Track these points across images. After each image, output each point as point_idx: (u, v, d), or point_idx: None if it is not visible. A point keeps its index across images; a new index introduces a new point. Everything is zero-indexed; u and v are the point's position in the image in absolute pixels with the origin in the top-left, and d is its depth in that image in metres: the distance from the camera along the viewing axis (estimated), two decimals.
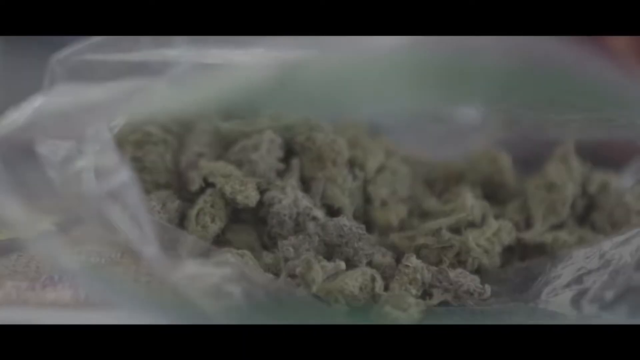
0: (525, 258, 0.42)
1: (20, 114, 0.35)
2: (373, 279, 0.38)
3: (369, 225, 0.43)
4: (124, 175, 0.34)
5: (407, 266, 0.39)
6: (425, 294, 0.39)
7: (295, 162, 0.42)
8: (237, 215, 0.41)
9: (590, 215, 0.44)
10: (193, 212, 0.40)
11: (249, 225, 0.42)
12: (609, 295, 0.36)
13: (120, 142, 0.41)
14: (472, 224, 0.42)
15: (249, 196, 0.40)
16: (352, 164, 0.43)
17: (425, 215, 0.44)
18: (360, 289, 0.38)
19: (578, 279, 0.38)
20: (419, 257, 0.40)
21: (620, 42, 0.47)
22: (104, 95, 0.35)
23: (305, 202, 0.41)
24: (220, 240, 0.41)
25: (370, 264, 0.40)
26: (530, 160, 0.45)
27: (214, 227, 0.40)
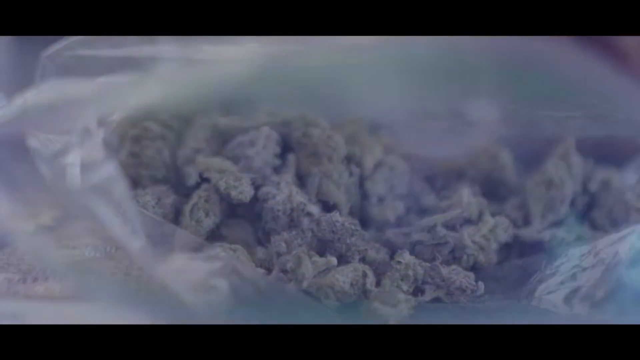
0: (523, 255, 0.42)
1: (10, 109, 0.35)
2: (364, 275, 0.38)
3: (366, 222, 0.42)
4: (110, 170, 0.34)
5: (399, 262, 0.39)
6: (418, 291, 0.39)
7: (291, 158, 0.42)
8: (233, 210, 0.42)
9: (590, 212, 0.44)
10: (187, 207, 0.40)
11: (245, 220, 0.42)
12: (600, 293, 0.36)
13: (119, 137, 0.42)
14: (468, 221, 0.42)
15: (243, 191, 0.40)
16: (349, 160, 0.43)
17: (423, 211, 0.44)
18: (351, 284, 0.38)
19: (572, 277, 0.38)
20: (413, 253, 0.40)
21: (619, 42, 0.47)
22: (93, 90, 0.36)
23: (299, 197, 0.41)
24: (215, 235, 0.41)
25: (363, 259, 0.40)
26: (531, 157, 0.45)
27: (208, 222, 0.40)
